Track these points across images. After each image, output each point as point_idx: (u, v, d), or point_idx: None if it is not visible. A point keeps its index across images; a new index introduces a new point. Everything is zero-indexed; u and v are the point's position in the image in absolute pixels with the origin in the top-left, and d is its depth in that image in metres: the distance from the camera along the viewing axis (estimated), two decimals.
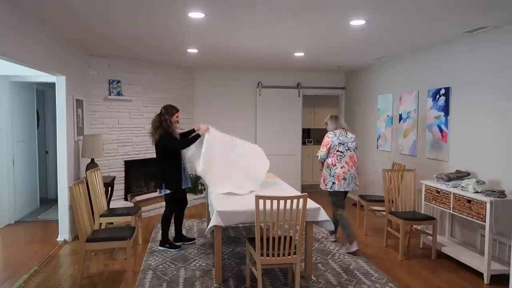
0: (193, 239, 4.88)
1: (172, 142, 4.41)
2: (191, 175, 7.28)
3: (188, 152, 4.58)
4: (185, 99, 7.42)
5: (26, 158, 6.11)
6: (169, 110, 4.45)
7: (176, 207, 4.72)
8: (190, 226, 5.59)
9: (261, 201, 3.19)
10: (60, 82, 4.81)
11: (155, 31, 4.40)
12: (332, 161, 4.56)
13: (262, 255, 3.27)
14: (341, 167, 4.50)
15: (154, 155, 6.73)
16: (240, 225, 5.49)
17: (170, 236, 4.73)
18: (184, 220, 5.90)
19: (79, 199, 3.53)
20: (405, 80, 5.86)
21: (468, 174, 4.32)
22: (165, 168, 4.48)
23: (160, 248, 4.58)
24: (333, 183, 4.56)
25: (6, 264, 4.14)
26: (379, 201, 5.26)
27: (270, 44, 5.09)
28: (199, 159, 4.33)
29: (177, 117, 4.48)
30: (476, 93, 4.37)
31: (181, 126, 7.24)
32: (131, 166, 6.48)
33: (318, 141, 9.50)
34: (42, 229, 5.41)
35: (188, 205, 6.93)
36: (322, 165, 4.73)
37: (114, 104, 6.21)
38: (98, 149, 5.23)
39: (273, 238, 3.26)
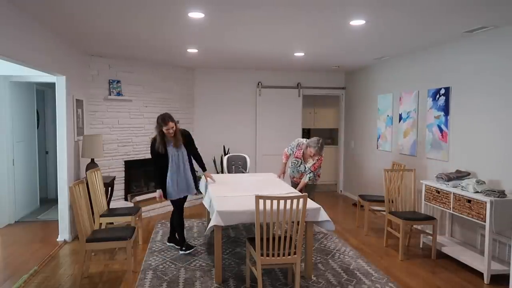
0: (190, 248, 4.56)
1: (151, 157, 4.45)
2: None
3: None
4: (185, 99, 7.42)
5: (26, 158, 6.11)
6: (158, 123, 4.28)
7: (178, 208, 4.58)
8: (190, 226, 5.59)
9: (261, 201, 3.19)
10: (60, 82, 4.81)
11: (155, 31, 4.40)
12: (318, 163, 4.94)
13: (262, 255, 3.27)
14: None
15: None
16: (240, 225, 5.49)
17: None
18: (184, 220, 5.91)
19: (79, 199, 3.53)
20: (405, 80, 5.86)
21: (468, 174, 4.32)
22: (154, 172, 4.54)
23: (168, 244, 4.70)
24: None
25: (6, 264, 4.14)
26: (379, 201, 5.26)
27: (270, 44, 5.09)
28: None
29: (166, 130, 4.21)
30: (476, 93, 4.38)
31: (181, 126, 7.29)
32: (131, 166, 6.48)
33: None
34: (42, 229, 5.41)
35: (188, 205, 7.02)
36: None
37: (114, 104, 6.21)
38: (98, 149, 5.23)
39: (273, 238, 3.26)
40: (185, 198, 4.57)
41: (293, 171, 5.18)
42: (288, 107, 7.96)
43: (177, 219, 4.51)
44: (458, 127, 4.65)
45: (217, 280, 3.66)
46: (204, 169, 4.74)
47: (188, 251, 4.43)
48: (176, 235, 4.62)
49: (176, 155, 4.37)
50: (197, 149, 4.62)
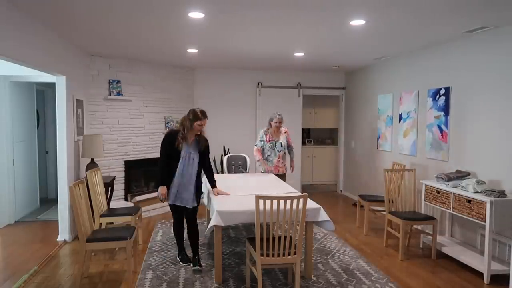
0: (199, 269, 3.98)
1: (161, 149, 3.98)
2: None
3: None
4: (185, 99, 7.42)
5: (26, 158, 6.11)
6: (193, 114, 3.88)
7: (178, 217, 4.14)
8: None
9: (261, 201, 3.18)
10: (60, 82, 4.81)
11: (155, 31, 4.40)
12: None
13: (262, 255, 3.27)
14: None
15: (154, 155, 6.87)
16: (240, 225, 5.49)
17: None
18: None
19: (79, 199, 3.53)
20: (405, 80, 5.86)
21: (468, 174, 4.32)
22: (160, 168, 3.97)
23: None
24: None
25: (6, 264, 4.14)
26: (379, 201, 5.26)
27: (270, 44, 5.09)
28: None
29: (199, 125, 3.86)
30: (476, 93, 4.38)
31: None
32: (131, 166, 6.48)
33: (318, 141, 9.51)
34: (42, 229, 5.41)
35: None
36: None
37: (114, 104, 6.21)
38: (98, 149, 5.23)
39: (273, 238, 3.26)
40: (194, 209, 4.09)
41: (270, 161, 5.45)
42: (288, 107, 7.95)
43: (180, 229, 4.16)
44: (458, 127, 4.65)
45: (217, 280, 3.66)
46: (214, 185, 4.22)
47: (195, 267, 3.95)
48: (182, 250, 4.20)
49: (188, 158, 3.91)
50: (210, 162, 4.22)
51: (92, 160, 5.27)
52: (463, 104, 4.57)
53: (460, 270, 4.04)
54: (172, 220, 4.22)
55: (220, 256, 3.66)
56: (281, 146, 5.40)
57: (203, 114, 3.87)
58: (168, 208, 6.37)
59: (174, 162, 3.89)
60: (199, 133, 3.93)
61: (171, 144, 3.86)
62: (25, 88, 6.05)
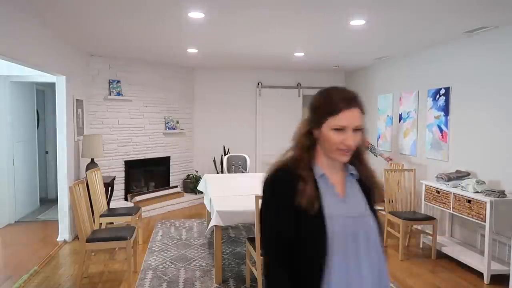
0: None
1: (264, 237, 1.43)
2: (192, 175, 7.30)
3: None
4: (185, 99, 7.42)
5: (26, 158, 6.11)
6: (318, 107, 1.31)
7: None
8: (190, 226, 5.60)
9: (261, 201, 3.18)
10: (60, 82, 4.81)
11: (155, 31, 4.40)
12: None
13: (262, 255, 3.26)
14: None
15: (153, 155, 6.87)
16: (240, 225, 5.49)
17: None
18: (184, 220, 5.92)
19: (79, 199, 3.53)
20: (405, 80, 5.86)
21: (468, 174, 4.32)
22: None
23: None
24: None
25: (6, 264, 4.14)
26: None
27: (270, 44, 5.09)
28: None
29: (340, 127, 1.24)
30: (476, 93, 4.38)
31: (181, 126, 7.33)
32: (131, 166, 6.48)
33: None
34: (42, 229, 5.41)
35: (188, 205, 7.01)
36: None
37: (114, 104, 6.21)
38: (98, 149, 5.23)
39: None
40: None
41: None
42: (288, 107, 7.96)
43: None
44: (458, 127, 4.65)
45: (217, 280, 3.66)
46: None
47: None
48: None
49: (351, 237, 1.27)
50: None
51: (92, 160, 5.27)
52: (463, 104, 4.57)
53: (460, 270, 4.04)
54: None
55: (220, 256, 3.66)
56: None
57: (350, 99, 1.26)
58: (169, 208, 6.49)
59: (318, 254, 1.27)
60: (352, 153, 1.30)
61: (288, 209, 1.34)
62: (25, 88, 6.05)
